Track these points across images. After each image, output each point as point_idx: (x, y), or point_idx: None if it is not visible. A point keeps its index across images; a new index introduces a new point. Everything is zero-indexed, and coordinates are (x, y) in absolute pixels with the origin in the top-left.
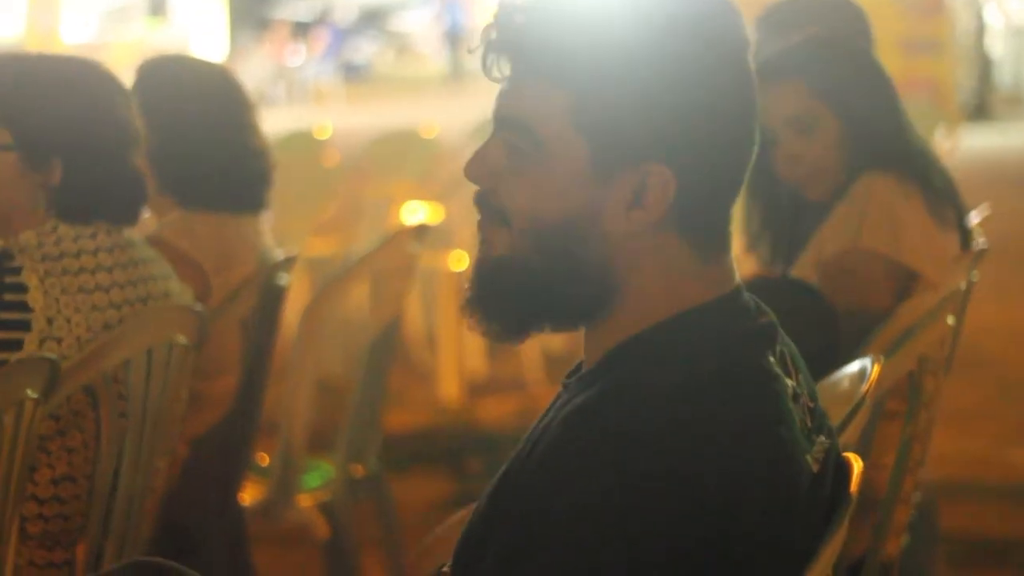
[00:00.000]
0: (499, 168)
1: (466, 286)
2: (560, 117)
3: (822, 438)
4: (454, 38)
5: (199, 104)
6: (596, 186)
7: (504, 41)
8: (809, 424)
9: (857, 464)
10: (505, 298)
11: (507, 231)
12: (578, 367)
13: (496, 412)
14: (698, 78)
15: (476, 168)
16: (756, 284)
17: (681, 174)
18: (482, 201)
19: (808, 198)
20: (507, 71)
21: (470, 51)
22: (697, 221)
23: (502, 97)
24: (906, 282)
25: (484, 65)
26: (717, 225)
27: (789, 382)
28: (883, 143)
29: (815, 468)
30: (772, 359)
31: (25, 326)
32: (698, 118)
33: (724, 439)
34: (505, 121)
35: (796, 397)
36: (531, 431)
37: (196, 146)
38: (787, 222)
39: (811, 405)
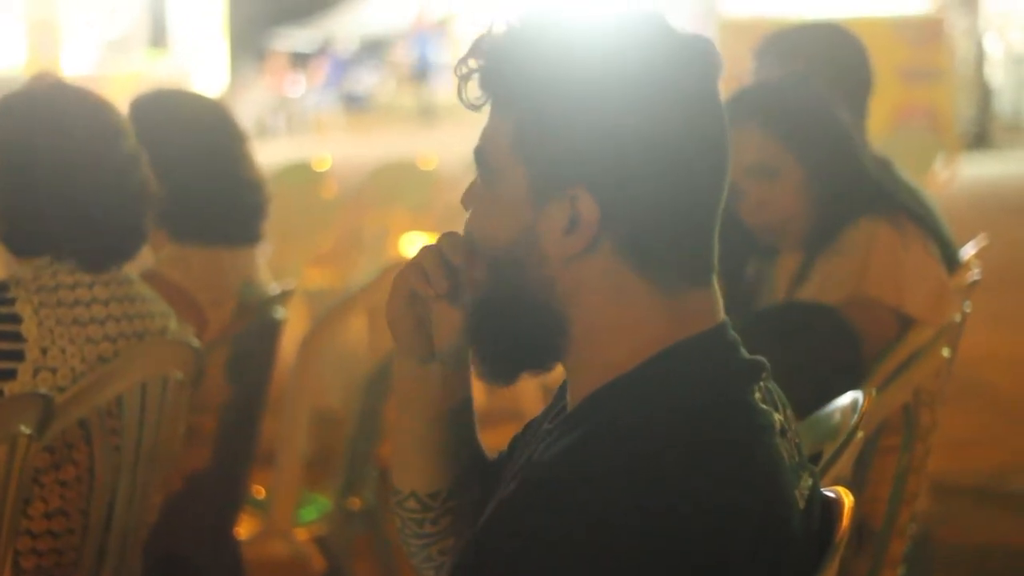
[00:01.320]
0: (475, 197)
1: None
2: (506, 145)
3: (807, 475)
4: (423, 74)
5: (193, 138)
6: (534, 212)
7: (470, 73)
8: (797, 459)
9: (848, 499)
10: (484, 339)
11: (477, 263)
12: (558, 407)
13: (494, 444)
14: (636, 106)
15: (465, 200)
16: (780, 307)
17: (606, 201)
18: (465, 232)
19: (777, 246)
20: (480, 102)
21: (458, 75)
22: (644, 251)
23: (481, 131)
24: (907, 326)
25: (459, 95)
26: (674, 257)
27: (777, 416)
28: (856, 187)
29: (802, 504)
30: (757, 394)
31: (19, 356)
32: (630, 147)
33: (711, 478)
34: (475, 154)
35: (784, 432)
36: (516, 468)
37: (190, 180)
38: (740, 268)
39: (797, 441)
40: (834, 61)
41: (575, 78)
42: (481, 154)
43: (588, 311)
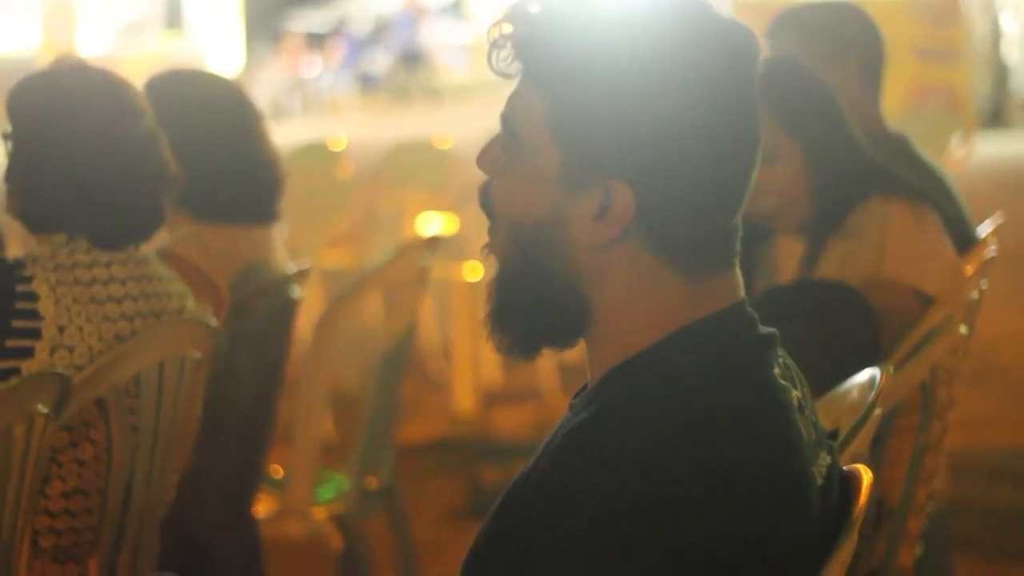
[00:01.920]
0: (496, 162)
1: (486, 300)
2: (540, 120)
3: (824, 452)
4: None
5: (208, 118)
6: (564, 195)
7: (504, 40)
8: (815, 436)
9: (867, 475)
10: (507, 312)
11: (495, 227)
12: (584, 385)
13: (512, 422)
14: (677, 99)
15: (481, 160)
16: (796, 285)
17: (644, 196)
18: (482, 193)
19: (776, 231)
20: (511, 70)
21: (491, 40)
22: (674, 242)
23: (509, 96)
24: (928, 305)
25: (489, 60)
26: (702, 245)
27: (795, 393)
28: (858, 167)
29: (820, 481)
30: (776, 370)
31: (36, 334)
32: (671, 141)
33: (732, 452)
34: (502, 119)
35: (801, 408)
36: (540, 449)
37: (207, 159)
38: (746, 257)
39: (814, 418)
40: (842, 38)
41: (618, 65)
42: (510, 123)
43: (611, 294)
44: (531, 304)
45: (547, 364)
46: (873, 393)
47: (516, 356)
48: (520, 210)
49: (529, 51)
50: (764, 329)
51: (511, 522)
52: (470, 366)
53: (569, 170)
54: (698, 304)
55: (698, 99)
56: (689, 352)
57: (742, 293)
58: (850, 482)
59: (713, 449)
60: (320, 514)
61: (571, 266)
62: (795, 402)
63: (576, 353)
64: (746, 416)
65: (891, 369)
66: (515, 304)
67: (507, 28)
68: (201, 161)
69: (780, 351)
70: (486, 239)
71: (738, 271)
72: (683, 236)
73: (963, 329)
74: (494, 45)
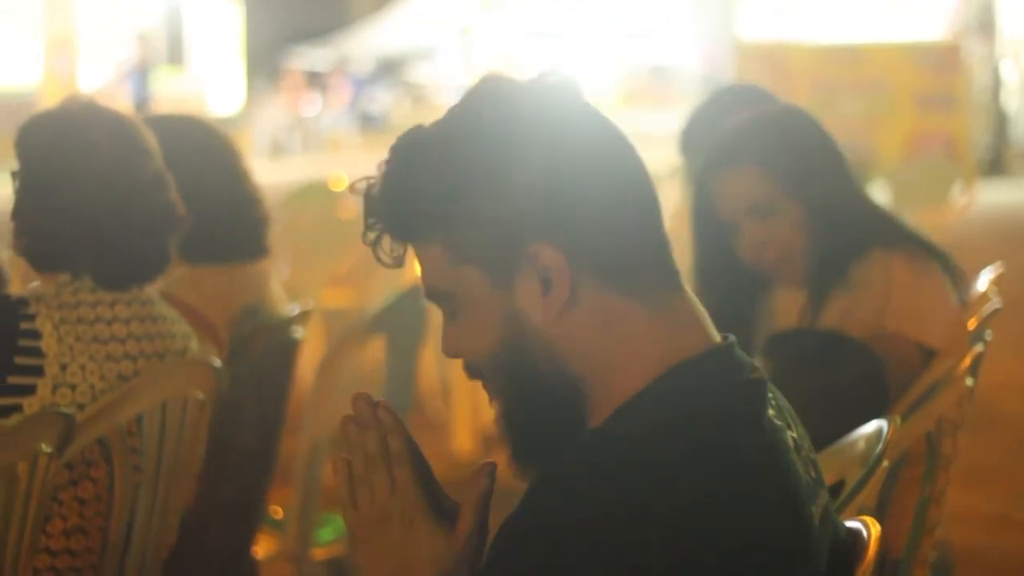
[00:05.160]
0: (453, 335)
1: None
2: (444, 264)
3: (824, 491)
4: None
5: (192, 160)
6: (504, 297)
7: (379, 239)
8: (813, 475)
9: (875, 529)
10: (527, 443)
11: (488, 384)
12: None
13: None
14: (528, 162)
15: (445, 348)
16: (799, 335)
17: (562, 242)
18: (471, 374)
19: (777, 285)
20: (402, 253)
21: (369, 244)
22: (616, 269)
23: (421, 277)
24: (931, 357)
25: (377, 258)
26: (646, 265)
27: (790, 433)
28: (859, 219)
29: (816, 521)
30: (770, 411)
31: (38, 371)
32: (551, 188)
33: (727, 497)
34: (429, 296)
35: (798, 448)
36: None
37: (195, 201)
38: (746, 311)
39: (812, 457)
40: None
41: (472, 167)
42: (433, 293)
43: (591, 355)
44: (537, 422)
45: None
46: (881, 445)
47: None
48: (487, 344)
49: (402, 229)
50: (754, 372)
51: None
52: (469, 408)
53: (494, 274)
54: (674, 338)
55: (540, 144)
56: (680, 392)
57: (718, 334)
58: (857, 536)
59: (711, 489)
60: (321, 556)
61: (549, 351)
62: (791, 442)
63: None
64: (743, 457)
65: (898, 420)
66: (524, 432)
67: (376, 228)
68: (191, 204)
69: (773, 392)
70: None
71: (694, 299)
72: (619, 255)
73: (969, 381)
74: (375, 248)
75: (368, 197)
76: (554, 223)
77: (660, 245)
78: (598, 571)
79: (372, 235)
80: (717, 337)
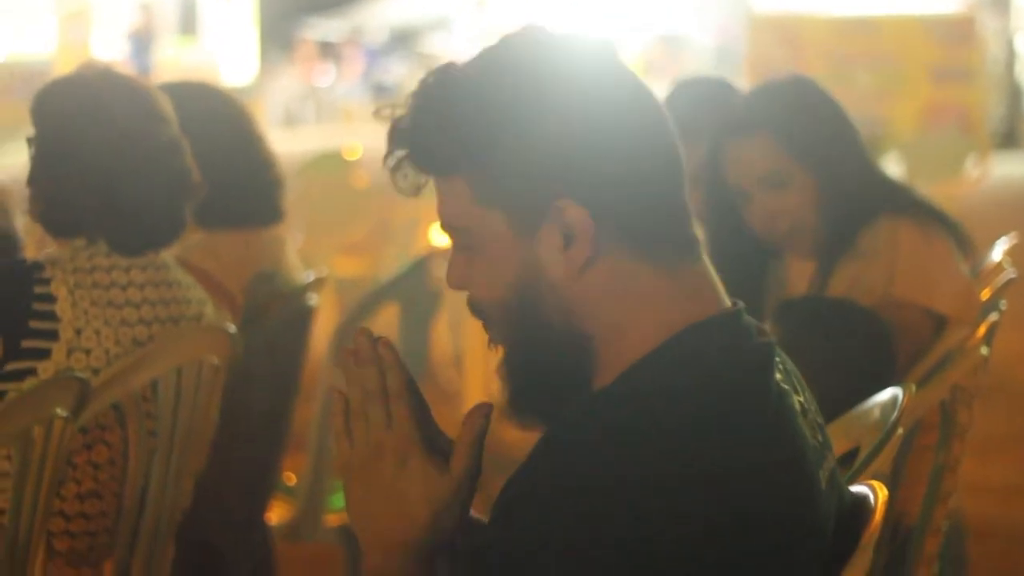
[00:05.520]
0: (463, 271)
1: (504, 388)
2: (468, 203)
3: (830, 455)
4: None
5: (206, 125)
6: (525, 246)
7: (399, 156)
8: (820, 439)
9: (882, 492)
10: (524, 390)
11: (492, 325)
12: None
13: (523, 435)
14: (571, 116)
15: (451, 280)
16: (808, 302)
17: (590, 200)
18: (469, 305)
19: (789, 256)
20: (421, 182)
21: (389, 168)
22: (636, 234)
23: (437, 208)
24: (941, 324)
25: (395, 184)
26: (662, 230)
27: (797, 398)
28: (868, 186)
29: (823, 485)
30: (778, 375)
31: (53, 336)
32: (586, 143)
33: (734, 458)
34: (445, 228)
35: (805, 412)
36: None
37: (210, 166)
38: (755, 279)
39: (820, 421)
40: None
41: (497, 120)
42: (450, 226)
43: (604, 316)
44: (542, 372)
45: None
46: (896, 412)
47: (539, 426)
48: (499, 288)
49: (427, 157)
50: (761, 337)
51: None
52: (482, 378)
53: (517, 221)
54: (686, 303)
55: (580, 98)
56: (689, 356)
57: (728, 299)
58: (865, 500)
59: (719, 453)
60: (333, 522)
61: (562, 306)
62: (797, 406)
63: None
64: (750, 420)
65: (913, 388)
66: (527, 380)
67: (399, 152)
68: (208, 168)
69: (781, 357)
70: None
71: (710, 267)
72: (642, 224)
73: (984, 350)
74: (395, 172)
75: (397, 125)
76: (585, 181)
77: (683, 213)
78: (601, 532)
79: (394, 162)
80: (728, 304)
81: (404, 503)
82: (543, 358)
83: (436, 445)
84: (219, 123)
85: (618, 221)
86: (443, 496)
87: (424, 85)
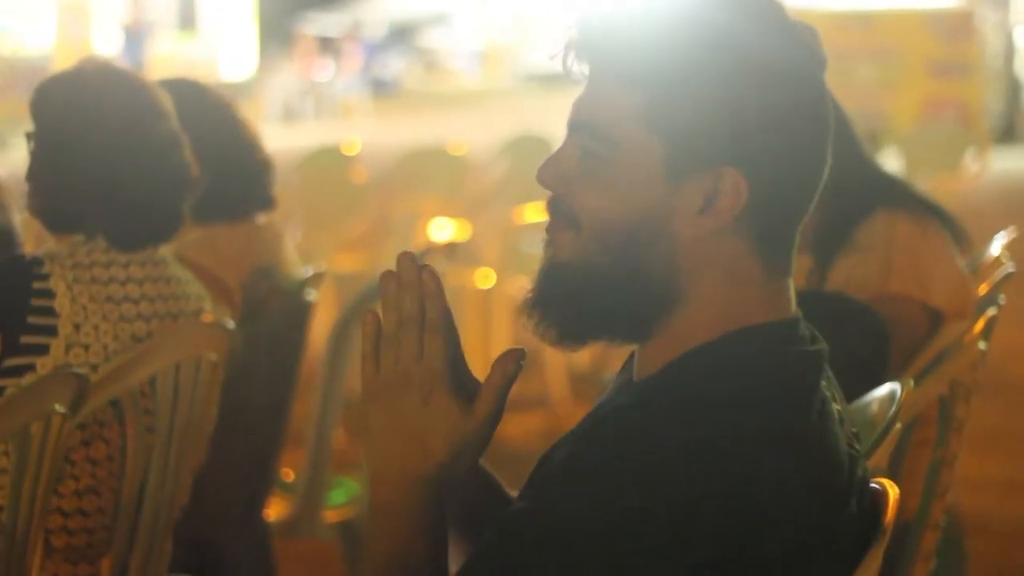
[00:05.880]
0: (573, 172)
1: (529, 287)
2: (634, 118)
3: (862, 464)
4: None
5: (203, 118)
6: (668, 188)
7: (581, 43)
8: (855, 448)
9: (892, 491)
10: (568, 302)
11: (575, 235)
12: (624, 379)
13: (521, 429)
14: (777, 88)
15: (550, 172)
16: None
17: (754, 182)
18: (554, 205)
19: None
20: (585, 72)
21: (550, 58)
22: (768, 234)
23: (578, 101)
24: (937, 319)
25: (564, 65)
26: (786, 242)
27: (836, 406)
28: (865, 181)
29: (853, 494)
30: (824, 382)
31: (52, 331)
32: (775, 127)
33: (777, 455)
34: (580, 125)
35: (842, 421)
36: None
37: (208, 160)
38: None
39: (855, 431)
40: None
41: (715, 56)
42: (598, 126)
43: (704, 289)
44: (603, 295)
45: (557, 372)
46: (894, 407)
47: (560, 345)
48: (618, 212)
49: (614, 53)
50: (817, 345)
51: (530, 497)
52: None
53: (674, 161)
54: (769, 304)
55: (790, 88)
56: (746, 356)
57: (795, 307)
58: (878, 497)
59: (754, 456)
60: (332, 518)
61: (672, 260)
62: (836, 415)
63: (587, 361)
64: (791, 426)
65: (911, 383)
66: (577, 295)
67: (582, 32)
68: (205, 162)
69: (826, 366)
70: (499, 247)
71: (792, 284)
72: (782, 226)
73: (982, 345)
74: (568, 48)
75: (591, 15)
76: (761, 163)
77: (797, 234)
78: (638, 517)
79: (568, 50)
80: (794, 311)
81: (424, 437)
82: (621, 294)
83: (463, 385)
84: (207, 115)
85: (765, 213)
86: (463, 436)
87: None
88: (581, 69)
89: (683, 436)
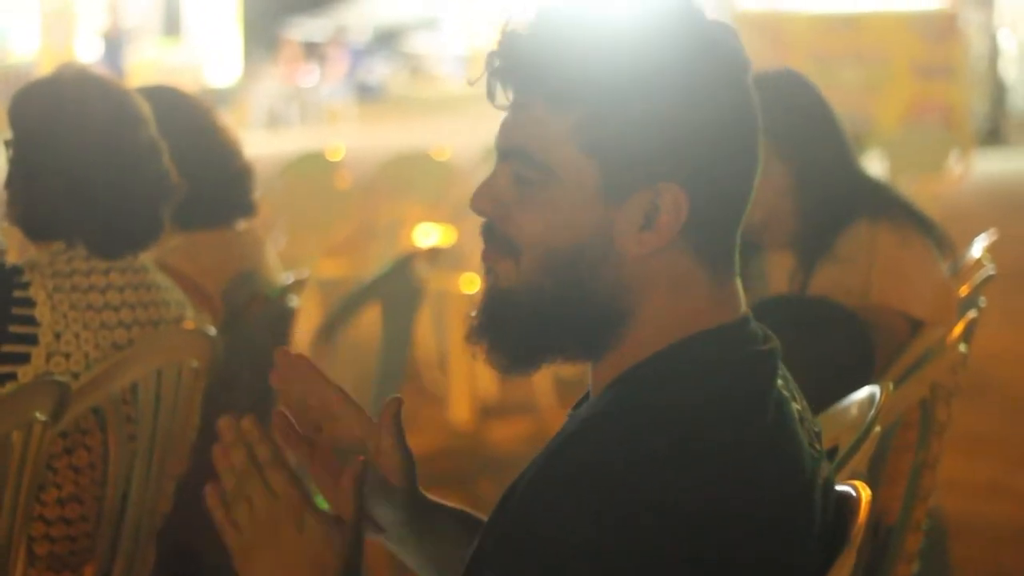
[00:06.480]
0: (507, 198)
1: (472, 315)
2: (566, 142)
3: (824, 463)
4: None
5: (182, 124)
6: (607, 209)
7: (505, 67)
8: (817, 448)
9: (865, 493)
10: (513, 329)
11: (514, 262)
12: (585, 396)
13: (507, 435)
14: (706, 96)
15: (483, 200)
16: (787, 301)
17: (693, 194)
18: (490, 232)
19: (762, 246)
20: (510, 97)
21: (470, 82)
22: (711, 242)
23: (505, 125)
24: (918, 329)
25: (488, 92)
26: (729, 246)
27: (795, 406)
28: (849, 187)
29: (818, 494)
30: (780, 381)
31: (33, 340)
32: (706, 136)
33: (734, 461)
34: (510, 151)
35: (802, 420)
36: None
37: (189, 166)
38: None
39: (816, 430)
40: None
41: (635, 72)
42: (528, 152)
43: (652, 302)
44: (548, 320)
45: (543, 377)
46: (873, 411)
47: (511, 373)
48: (559, 237)
49: (541, 76)
50: (768, 344)
51: (504, 526)
52: (467, 379)
53: (611, 181)
54: (717, 310)
55: (719, 95)
56: (698, 359)
57: (745, 305)
58: (848, 501)
59: (711, 461)
60: None
61: (616, 279)
62: (795, 414)
63: (572, 367)
64: (747, 428)
65: (891, 387)
66: (522, 321)
67: (506, 56)
68: (185, 169)
69: (780, 365)
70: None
71: (739, 281)
72: (723, 232)
73: (963, 348)
74: (493, 73)
75: (514, 40)
76: (698, 175)
77: (738, 235)
78: (609, 523)
79: (493, 77)
80: (743, 310)
81: (314, 561)
82: (569, 317)
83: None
84: (187, 122)
85: (707, 224)
86: (346, 543)
87: (556, 10)
88: (506, 94)
89: (637, 446)
